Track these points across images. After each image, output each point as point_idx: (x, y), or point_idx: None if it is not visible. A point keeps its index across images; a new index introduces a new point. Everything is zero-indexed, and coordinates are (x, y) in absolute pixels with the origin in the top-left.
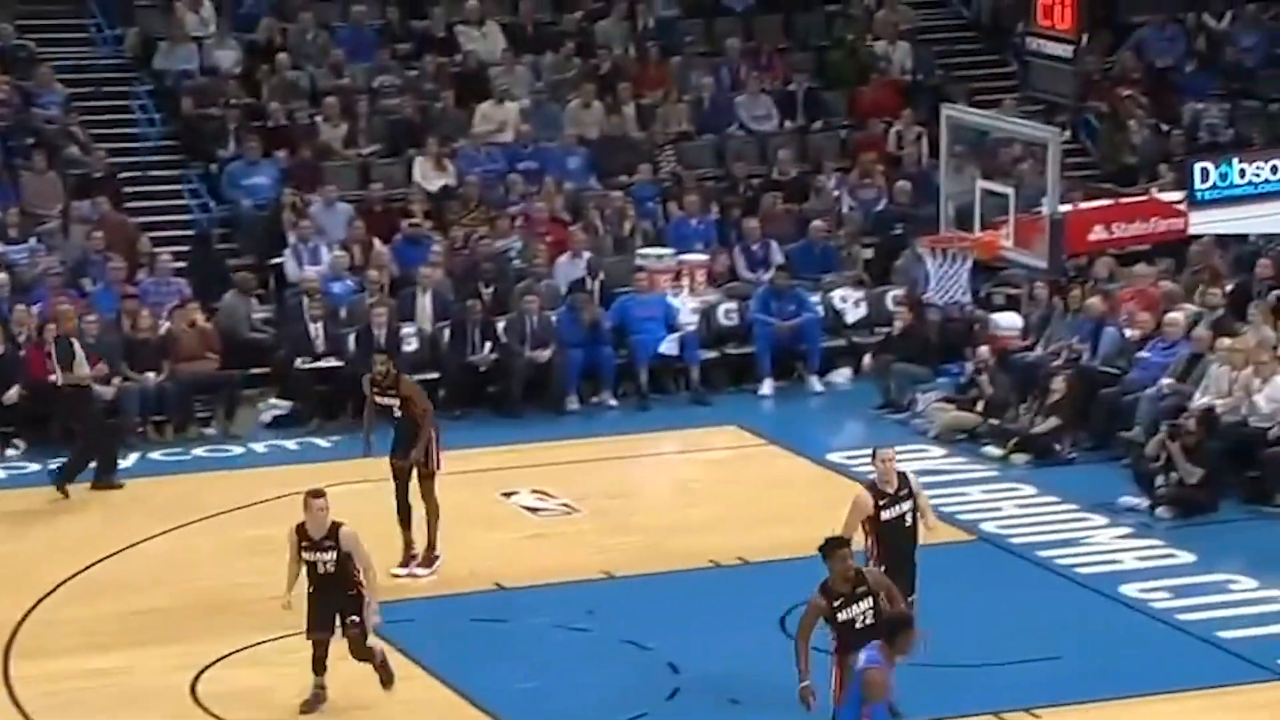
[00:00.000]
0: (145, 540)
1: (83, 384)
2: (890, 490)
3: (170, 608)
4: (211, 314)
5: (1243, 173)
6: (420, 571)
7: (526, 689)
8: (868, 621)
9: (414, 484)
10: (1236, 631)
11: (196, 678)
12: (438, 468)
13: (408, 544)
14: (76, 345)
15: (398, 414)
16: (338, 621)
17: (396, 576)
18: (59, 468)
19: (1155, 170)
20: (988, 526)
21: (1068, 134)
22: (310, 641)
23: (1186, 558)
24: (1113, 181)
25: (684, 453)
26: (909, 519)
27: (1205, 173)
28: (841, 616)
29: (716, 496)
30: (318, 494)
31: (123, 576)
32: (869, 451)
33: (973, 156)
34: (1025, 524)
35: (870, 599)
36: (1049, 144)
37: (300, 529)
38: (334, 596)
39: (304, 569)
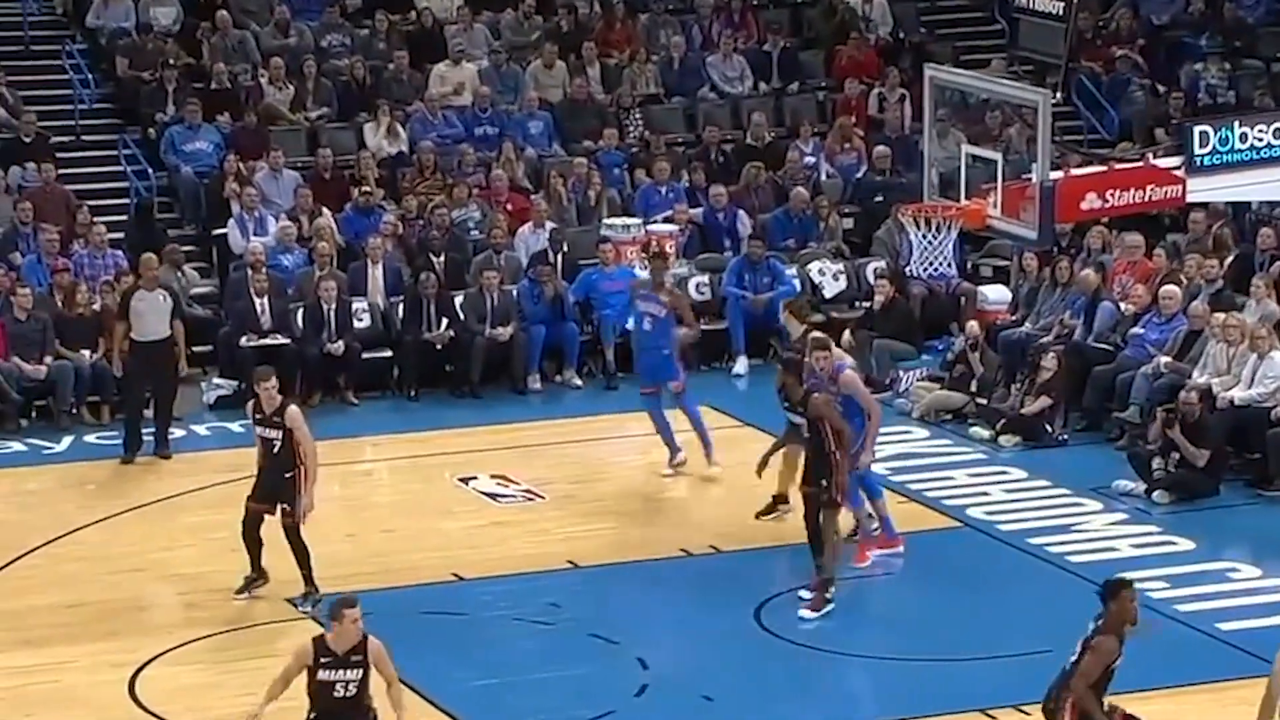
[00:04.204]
0: (79, 529)
1: None
2: None
3: (105, 601)
4: None
5: (1244, 137)
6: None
7: (485, 686)
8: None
9: None
10: (1238, 623)
11: (134, 675)
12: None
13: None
14: None
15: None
16: None
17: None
18: None
19: (1152, 134)
20: (975, 512)
21: (1059, 96)
22: None
23: (1185, 545)
24: None
25: (653, 435)
26: None
27: (1204, 137)
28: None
29: (687, 482)
30: (350, 603)
31: (55, 567)
32: None
33: (958, 120)
34: (1014, 510)
35: None
36: (1039, 107)
37: (318, 642)
38: None
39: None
